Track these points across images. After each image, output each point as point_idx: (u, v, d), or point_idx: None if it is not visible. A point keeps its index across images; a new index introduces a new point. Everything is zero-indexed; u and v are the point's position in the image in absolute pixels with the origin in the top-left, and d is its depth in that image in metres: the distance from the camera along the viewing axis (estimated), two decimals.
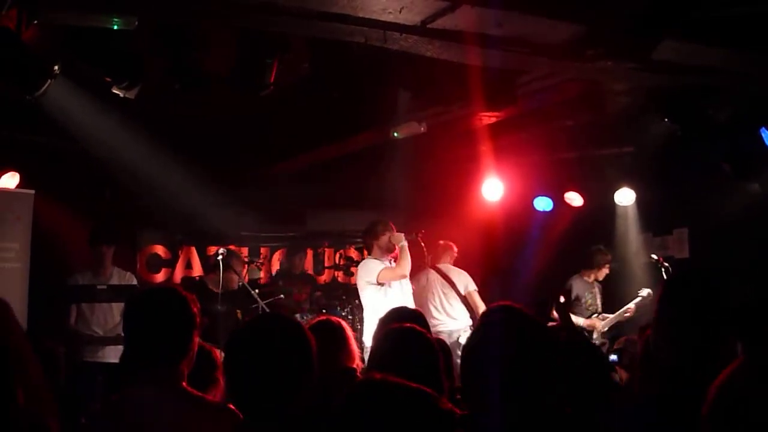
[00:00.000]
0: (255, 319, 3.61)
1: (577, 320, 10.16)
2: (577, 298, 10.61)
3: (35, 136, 9.23)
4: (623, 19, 6.29)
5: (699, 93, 7.89)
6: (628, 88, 8.22)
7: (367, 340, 8.08)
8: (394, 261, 8.96)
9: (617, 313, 10.45)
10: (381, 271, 8.77)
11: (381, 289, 8.77)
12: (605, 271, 10.85)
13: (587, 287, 10.74)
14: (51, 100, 6.64)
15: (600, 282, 10.93)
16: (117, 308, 8.86)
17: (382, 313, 8.08)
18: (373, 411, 2.34)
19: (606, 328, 10.42)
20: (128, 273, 9.28)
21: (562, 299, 10.17)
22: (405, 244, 8.93)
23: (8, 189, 9.13)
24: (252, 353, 3.16)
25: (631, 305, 10.36)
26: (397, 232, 9.07)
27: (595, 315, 10.58)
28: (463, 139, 10.14)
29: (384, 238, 8.98)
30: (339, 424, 2.39)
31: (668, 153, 9.48)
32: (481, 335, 2.97)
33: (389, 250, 8.97)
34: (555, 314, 10.15)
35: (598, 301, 10.77)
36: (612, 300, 10.84)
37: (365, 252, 13.77)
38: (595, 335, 10.31)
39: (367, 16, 6.01)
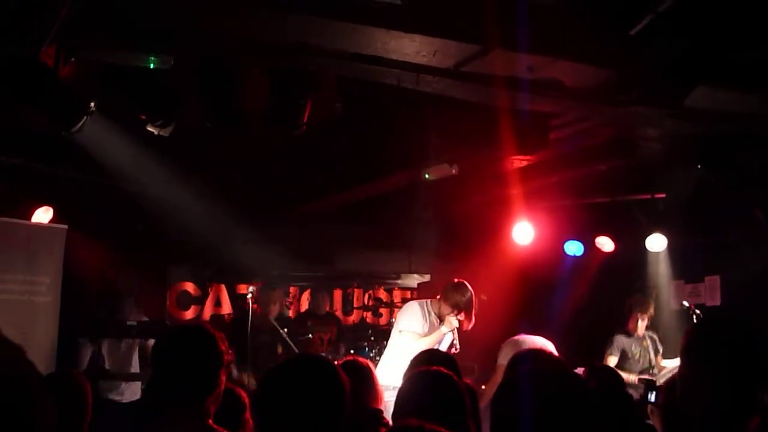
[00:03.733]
0: (289, 359, 3.61)
1: (628, 377, 9.89)
2: (624, 354, 10.14)
3: (69, 171, 9.31)
4: (656, 64, 6.29)
5: (732, 140, 7.85)
6: (661, 133, 8.19)
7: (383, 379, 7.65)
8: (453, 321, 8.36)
9: (671, 366, 9.97)
10: (408, 334, 8.27)
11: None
12: (646, 318, 10.22)
13: (633, 341, 10.22)
14: (86, 135, 6.70)
15: (652, 331, 10.40)
16: (130, 346, 8.88)
17: (401, 359, 8.01)
18: None
19: (660, 382, 9.91)
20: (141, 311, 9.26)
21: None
22: (444, 332, 8.31)
23: (41, 223, 9.19)
24: (286, 393, 3.15)
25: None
26: (456, 314, 8.31)
27: (648, 371, 10.11)
28: (494, 181, 10.13)
29: (446, 308, 8.28)
30: None
31: (701, 199, 9.43)
32: (510, 382, 2.95)
33: (441, 316, 8.32)
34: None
35: (651, 354, 10.22)
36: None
37: (395, 292, 13.80)
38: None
39: (400, 59, 6.06)
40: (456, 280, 8.53)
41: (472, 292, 8.37)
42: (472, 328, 8.57)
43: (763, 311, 8.69)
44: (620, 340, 10.23)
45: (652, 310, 10.30)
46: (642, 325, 10.22)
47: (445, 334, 8.31)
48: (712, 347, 3.21)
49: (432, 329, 8.29)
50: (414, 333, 8.23)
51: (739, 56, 6.17)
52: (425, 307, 8.47)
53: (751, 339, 3.21)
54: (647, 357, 10.21)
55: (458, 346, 8.47)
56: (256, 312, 9.22)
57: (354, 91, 7.58)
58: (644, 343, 10.23)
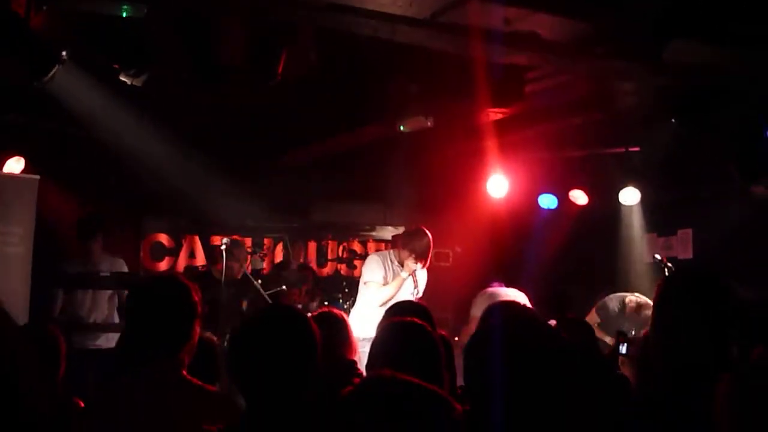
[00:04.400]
0: (261, 310, 3.61)
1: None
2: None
3: (41, 121, 9.23)
4: (633, 17, 6.27)
5: (707, 94, 7.87)
6: (637, 87, 8.19)
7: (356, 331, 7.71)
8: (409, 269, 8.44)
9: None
10: (372, 284, 8.40)
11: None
12: None
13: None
14: (58, 85, 6.63)
15: None
16: (105, 296, 8.86)
17: (371, 310, 8.08)
18: (382, 407, 2.33)
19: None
20: (119, 259, 9.21)
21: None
22: (404, 276, 8.41)
23: (13, 174, 9.12)
24: (258, 344, 3.16)
25: None
26: (416, 260, 8.38)
27: None
28: (469, 134, 10.12)
29: (409, 255, 8.36)
30: (346, 420, 2.38)
31: (675, 153, 9.47)
32: (483, 332, 2.96)
33: (402, 263, 8.44)
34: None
35: None
36: None
37: (369, 244, 13.81)
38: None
39: (376, 9, 6.01)
40: (413, 227, 8.65)
41: (430, 237, 8.46)
42: (448, 279, 8.66)
43: (735, 265, 8.79)
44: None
45: None
46: None
47: (405, 279, 8.43)
48: (687, 301, 3.23)
49: (395, 277, 8.40)
50: (377, 283, 8.38)
51: (717, 11, 6.16)
52: (387, 258, 8.64)
53: (724, 292, 3.23)
54: None
55: (420, 291, 8.56)
56: (228, 265, 9.16)
57: (330, 42, 7.53)
58: None
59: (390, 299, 8.16)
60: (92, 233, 8.90)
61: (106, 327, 8.66)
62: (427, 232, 8.47)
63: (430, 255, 8.52)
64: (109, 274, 8.74)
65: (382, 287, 8.33)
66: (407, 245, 8.46)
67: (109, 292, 8.91)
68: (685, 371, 3.11)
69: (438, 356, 3.84)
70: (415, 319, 4.05)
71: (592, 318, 10.16)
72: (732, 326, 3.17)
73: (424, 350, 3.81)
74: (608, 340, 9.81)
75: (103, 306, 8.87)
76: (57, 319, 8.43)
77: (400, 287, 8.36)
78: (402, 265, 8.46)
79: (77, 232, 8.93)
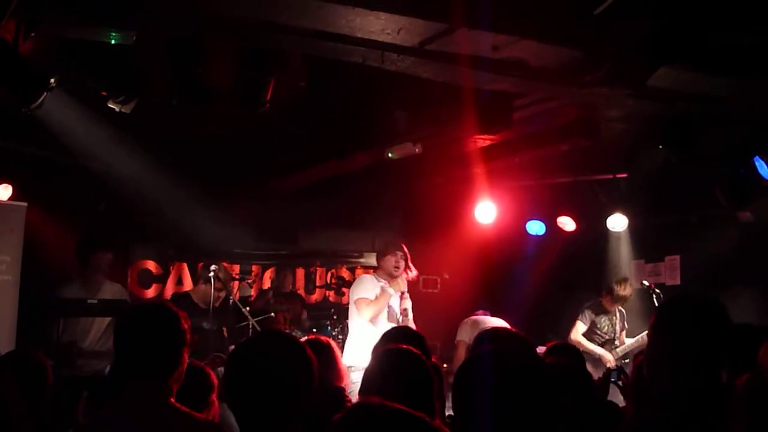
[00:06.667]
0: (258, 336, 3.59)
1: (594, 348, 10.02)
2: (593, 324, 10.23)
3: (29, 147, 9.21)
4: (621, 45, 6.31)
5: (694, 121, 7.91)
6: (624, 114, 8.22)
7: (347, 359, 7.74)
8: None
9: (630, 342, 10.13)
10: (361, 301, 8.39)
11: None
12: (621, 303, 10.33)
13: (603, 314, 10.30)
14: (46, 112, 6.63)
15: (622, 309, 10.46)
16: (100, 323, 8.76)
17: (365, 339, 8.06)
18: None
19: (619, 356, 10.04)
20: (118, 285, 9.18)
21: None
22: (392, 293, 8.44)
23: (1, 201, 9.09)
24: (256, 371, 3.15)
25: (644, 335, 9.59)
26: (397, 265, 8.50)
27: (611, 343, 10.21)
28: (457, 161, 10.14)
29: (385, 261, 8.54)
30: None
31: (662, 180, 9.50)
32: (472, 360, 2.95)
33: (389, 273, 8.50)
34: (573, 338, 10.07)
35: (617, 328, 10.31)
36: None
37: (357, 271, 13.80)
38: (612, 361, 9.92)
39: (365, 37, 6.03)
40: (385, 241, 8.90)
41: (403, 245, 8.59)
42: (436, 306, 8.65)
43: (722, 291, 8.80)
44: (592, 311, 10.31)
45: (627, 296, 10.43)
46: (619, 304, 10.30)
47: (392, 295, 8.43)
48: (686, 327, 3.22)
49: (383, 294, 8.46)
50: (365, 299, 8.33)
51: (704, 38, 6.20)
52: (375, 277, 8.64)
53: (722, 319, 3.23)
54: (613, 330, 10.28)
55: (408, 312, 8.55)
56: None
57: (319, 69, 7.55)
58: (613, 318, 10.27)
59: (377, 315, 8.18)
60: (101, 247, 8.82)
61: (99, 354, 8.57)
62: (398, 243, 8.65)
63: (407, 252, 8.58)
64: (96, 301, 8.67)
65: (370, 303, 8.30)
66: (383, 253, 8.63)
67: (109, 318, 8.82)
68: (680, 397, 3.10)
69: (431, 385, 3.83)
70: (410, 348, 4.04)
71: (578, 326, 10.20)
72: (726, 352, 3.17)
73: (418, 379, 3.80)
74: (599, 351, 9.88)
75: (105, 332, 8.75)
76: (59, 345, 8.36)
77: (387, 302, 8.39)
78: (391, 275, 8.47)
79: (83, 247, 8.80)
